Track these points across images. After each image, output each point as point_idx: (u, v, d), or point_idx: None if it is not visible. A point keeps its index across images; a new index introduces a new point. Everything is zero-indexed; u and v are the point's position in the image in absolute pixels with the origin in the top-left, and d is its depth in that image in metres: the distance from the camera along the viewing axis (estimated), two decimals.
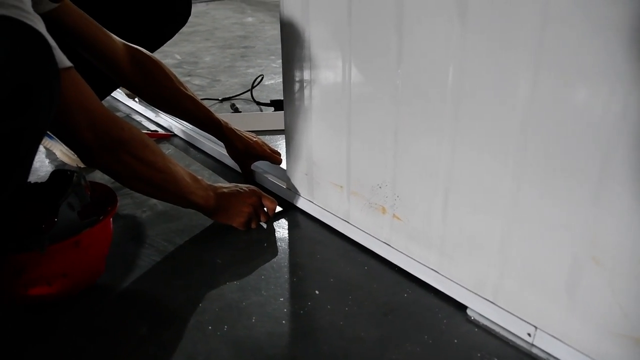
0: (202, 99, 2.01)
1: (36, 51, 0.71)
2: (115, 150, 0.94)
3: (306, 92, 1.16)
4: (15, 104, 0.68)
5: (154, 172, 1.01)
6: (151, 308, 0.98)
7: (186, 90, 1.37)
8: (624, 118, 0.68)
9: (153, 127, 1.77)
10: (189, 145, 1.65)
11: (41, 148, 1.56)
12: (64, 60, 0.81)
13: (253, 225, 1.20)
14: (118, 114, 1.89)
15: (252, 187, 1.23)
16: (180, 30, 3.20)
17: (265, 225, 1.23)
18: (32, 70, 0.70)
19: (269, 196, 1.23)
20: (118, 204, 1.02)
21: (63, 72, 0.77)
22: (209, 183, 1.14)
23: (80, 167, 1.48)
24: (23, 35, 0.70)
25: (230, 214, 1.17)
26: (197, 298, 1.00)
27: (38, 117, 0.72)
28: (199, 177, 1.12)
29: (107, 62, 1.24)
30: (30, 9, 0.74)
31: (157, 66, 1.31)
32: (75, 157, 1.48)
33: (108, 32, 1.24)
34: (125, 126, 0.97)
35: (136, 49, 1.28)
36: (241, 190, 1.19)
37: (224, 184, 1.20)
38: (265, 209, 1.23)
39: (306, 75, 1.15)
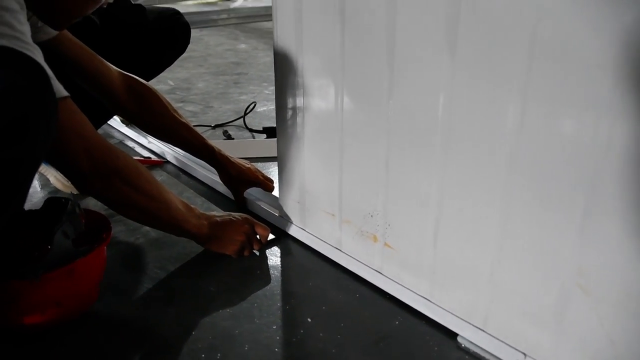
0: (195, 126, 2.02)
1: (35, 82, 0.72)
2: (109, 177, 0.95)
3: (299, 119, 1.18)
4: (13, 134, 0.69)
5: (147, 200, 1.02)
6: (144, 336, 0.98)
7: (180, 117, 1.39)
8: (609, 148, 0.70)
9: (145, 154, 1.79)
10: (182, 172, 1.66)
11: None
12: (60, 90, 0.83)
13: (246, 253, 1.21)
14: (111, 140, 1.91)
15: (244, 215, 1.24)
16: None
17: (258, 253, 1.24)
18: (30, 100, 0.71)
19: (262, 224, 1.25)
20: (112, 232, 1.03)
21: (60, 102, 0.79)
22: (201, 212, 1.16)
23: (74, 194, 1.48)
24: (22, 66, 0.72)
25: (224, 242, 1.18)
26: (191, 326, 1.01)
27: (35, 147, 0.74)
28: (192, 206, 1.14)
29: (102, 90, 1.26)
30: (30, 40, 0.76)
31: (152, 94, 1.33)
32: (69, 183, 1.49)
33: (104, 60, 1.26)
34: (120, 154, 0.99)
35: (132, 77, 1.30)
36: (234, 219, 1.20)
37: (217, 213, 1.21)
38: (258, 236, 1.24)
39: (299, 102, 1.17)
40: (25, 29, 0.76)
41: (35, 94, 0.72)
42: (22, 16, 0.76)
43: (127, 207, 1.02)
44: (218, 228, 1.17)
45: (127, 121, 1.71)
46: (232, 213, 1.23)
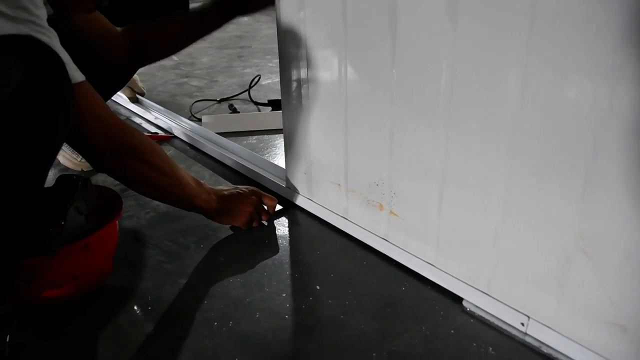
0: (200, 100, 2.04)
1: (52, 72, 0.73)
2: (125, 155, 0.97)
3: (303, 91, 1.19)
4: (33, 126, 0.71)
5: (161, 176, 1.04)
6: (158, 307, 1.01)
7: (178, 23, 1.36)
8: (609, 114, 0.71)
9: (153, 130, 1.80)
10: (189, 146, 1.68)
11: None
12: (76, 76, 0.84)
13: (255, 224, 1.24)
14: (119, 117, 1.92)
15: (251, 187, 1.26)
16: None
17: (266, 224, 1.26)
18: (49, 92, 0.73)
19: (269, 195, 1.27)
20: (123, 206, 1.05)
21: (76, 86, 0.80)
22: (210, 187, 1.18)
23: (84, 171, 1.51)
24: (39, 55, 0.73)
25: (233, 215, 1.21)
26: (202, 296, 1.04)
27: (54, 135, 0.76)
28: (202, 181, 1.16)
29: (105, 48, 1.27)
30: (45, 23, 0.76)
31: (147, 28, 1.33)
32: (79, 160, 1.51)
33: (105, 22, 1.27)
34: (135, 133, 1.01)
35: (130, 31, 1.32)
36: (241, 191, 1.23)
37: (224, 187, 1.23)
38: (265, 207, 1.26)
39: (303, 74, 1.17)
40: (42, 12, 0.77)
41: (52, 85, 0.73)
42: (39, 0, 0.76)
43: (142, 184, 1.04)
44: (226, 201, 1.19)
45: (139, 65, 1.66)
46: (239, 186, 1.25)
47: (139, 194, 1.08)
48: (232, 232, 1.22)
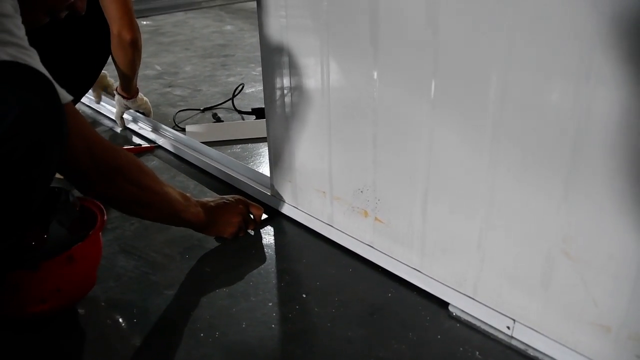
0: (184, 110, 2.04)
1: (48, 103, 0.73)
2: (113, 177, 0.96)
3: (287, 99, 1.19)
4: (31, 158, 0.72)
5: (150, 195, 1.03)
6: (144, 318, 1.00)
7: None
8: (589, 115, 0.72)
9: (137, 140, 1.79)
10: (173, 156, 1.67)
11: None
12: (65, 96, 0.82)
13: (241, 234, 1.23)
14: (101, 127, 1.91)
15: (237, 196, 1.26)
16: (160, 41, 3.21)
17: (252, 233, 1.26)
18: (46, 124, 0.73)
19: (255, 204, 1.27)
20: (106, 216, 1.04)
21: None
22: (197, 199, 1.16)
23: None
24: (33, 84, 0.72)
25: (220, 226, 1.19)
26: (189, 306, 1.03)
27: (50, 165, 0.76)
28: (188, 194, 1.15)
29: None
30: (27, 44, 0.76)
31: None
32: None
33: None
34: (121, 152, 1.00)
35: None
36: (227, 202, 1.22)
37: (210, 198, 1.22)
38: (252, 216, 1.25)
39: (286, 82, 1.18)
40: (22, 33, 0.76)
41: (49, 116, 0.73)
42: (18, 20, 0.76)
43: (131, 204, 1.03)
44: (214, 213, 1.18)
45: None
46: (225, 196, 1.25)
47: (128, 214, 1.07)
48: (217, 242, 1.22)
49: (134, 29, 1.57)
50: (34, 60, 0.75)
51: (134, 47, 1.59)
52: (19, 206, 0.74)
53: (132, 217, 1.20)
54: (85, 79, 1.59)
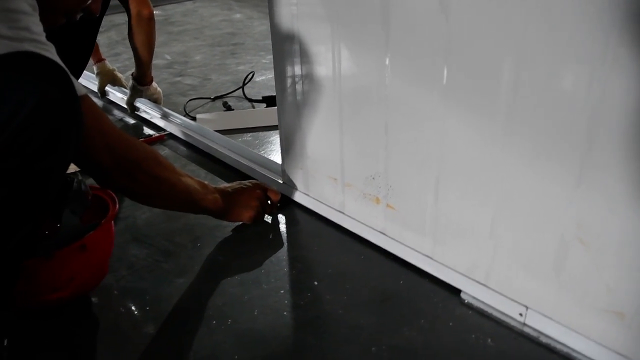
0: (194, 98, 2.04)
1: (64, 92, 0.74)
2: (132, 171, 0.97)
3: (298, 87, 1.19)
4: (48, 146, 0.72)
5: (168, 187, 1.04)
6: (156, 306, 1.01)
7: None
8: (603, 101, 0.71)
9: (147, 130, 1.80)
10: (184, 145, 1.67)
11: None
12: (80, 89, 0.83)
13: (261, 218, 1.24)
14: (111, 118, 1.91)
15: (254, 181, 1.27)
16: (169, 30, 3.21)
17: (270, 218, 1.26)
18: (62, 113, 0.74)
19: (273, 188, 1.27)
20: (118, 205, 1.05)
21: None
22: (214, 186, 1.17)
23: (78, 172, 1.50)
24: (50, 74, 0.73)
25: (239, 211, 1.20)
26: (200, 294, 1.03)
27: (67, 153, 0.77)
28: (205, 182, 1.15)
29: None
30: (44, 38, 0.77)
31: None
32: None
33: None
34: (139, 146, 1.01)
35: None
36: (244, 186, 1.22)
37: (228, 184, 1.23)
38: (269, 201, 1.26)
39: (297, 70, 1.17)
40: (40, 29, 0.77)
41: (66, 105, 0.74)
42: (36, 18, 0.77)
43: (149, 196, 1.04)
44: (232, 199, 1.18)
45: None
46: (243, 181, 1.25)
47: (148, 205, 1.08)
48: (227, 230, 1.22)
49: (150, 6, 1.72)
50: (51, 54, 0.76)
51: (152, 21, 1.73)
52: (35, 194, 0.75)
53: (152, 207, 1.21)
54: (76, 65, 1.60)
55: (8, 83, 0.70)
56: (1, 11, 0.71)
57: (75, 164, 0.96)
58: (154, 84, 1.89)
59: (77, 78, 1.67)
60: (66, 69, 0.77)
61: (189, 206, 1.11)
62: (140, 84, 1.84)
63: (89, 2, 0.93)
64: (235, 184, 1.23)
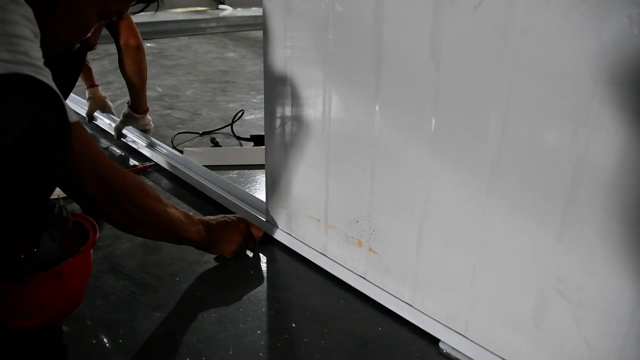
0: (182, 132, 2.04)
1: (55, 115, 0.75)
2: (117, 199, 0.97)
3: (287, 127, 1.20)
4: (36, 168, 0.73)
5: (153, 217, 1.04)
6: (129, 339, 0.98)
7: None
8: (586, 158, 0.72)
9: (133, 161, 1.79)
10: (168, 178, 1.66)
11: None
12: (72, 116, 0.84)
13: (241, 253, 1.24)
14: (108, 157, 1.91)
15: (238, 215, 1.27)
16: (163, 64, 3.24)
17: (251, 254, 1.25)
18: (52, 135, 0.74)
19: (256, 224, 1.27)
20: (98, 233, 1.03)
21: (71, 126, 0.80)
22: (198, 218, 1.17)
23: (60, 197, 1.48)
24: (42, 98, 0.74)
25: (222, 244, 1.20)
26: (176, 330, 1.01)
27: (54, 175, 0.77)
28: (190, 213, 1.15)
29: None
30: (42, 64, 0.77)
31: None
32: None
33: None
34: (127, 175, 1.01)
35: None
36: (229, 220, 1.23)
37: (212, 217, 1.23)
38: (251, 237, 1.26)
39: (287, 111, 1.18)
40: (39, 55, 0.78)
41: (56, 130, 0.75)
42: (37, 44, 0.78)
43: (134, 225, 1.04)
44: (215, 232, 1.19)
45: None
46: (227, 215, 1.25)
47: (130, 234, 1.08)
48: (208, 266, 1.21)
49: (138, 36, 1.73)
50: (47, 79, 0.77)
51: (140, 50, 1.74)
52: (17, 216, 0.75)
53: (135, 236, 1.21)
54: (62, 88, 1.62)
55: (1, 103, 0.70)
56: (4, 35, 0.72)
57: (62, 189, 0.95)
58: (148, 115, 1.89)
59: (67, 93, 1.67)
60: (60, 94, 0.77)
61: (172, 237, 1.11)
62: (136, 112, 1.85)
63: (89, 35, 0.95)
64: (220, 217, 1.23)
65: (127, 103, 1.86)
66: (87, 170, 0.91)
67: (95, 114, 2.03)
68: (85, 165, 0.91)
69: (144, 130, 1.89)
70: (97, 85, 2.02)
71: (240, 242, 1.22)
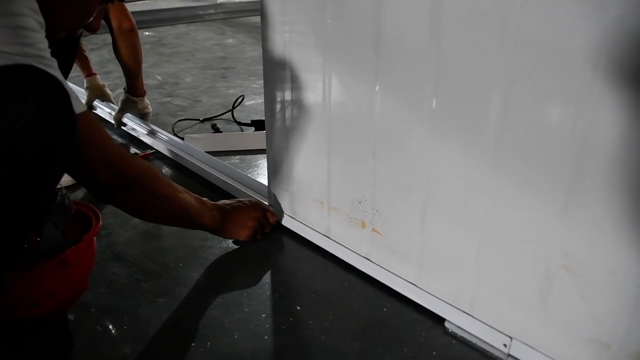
0: (183, 119, 2.04)
1: (60, 106, 0.75)
2: (129, 187, 0.98)
3: (287, 112, 1.19)
4: (43, 159, 0.73)
5: (165, 203, 1.05)
6: (134, 326, 0.98)
7: None
8: (589, 135, 0.72)
9: (133, 149, 1.78)
10: (169, 165, 1.66)
11: None
12: (80, 106, 0.84)
13: (258, 237, 1.24)
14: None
15: (254, 200, 1.27)
16: (161, 52, 3.22)
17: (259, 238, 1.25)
18: (58, 127, 0.75)
19: (272, 210, 1.28)
20: (101, 221, 1.03)
21: (79, 116, 0.81)
22: (213, 202, 1.17)
23: (62, 186, 1.48)
24: (49, 88, 0.75)
25: (236, 228, 1.20)
26: (180, 316, 1.01)
27: (60, 166, 0.78)
28: (203, 198, 1.16)
29: None
30: (49, 55, 0.78)
31: None
32: None
33: None
34: (137, 162, 1.02)
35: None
36: (243, 205, 1.23)
37: (227, 201, 1.23)
38: (266, 222, 1.26)
39: (287, 96, 1.17)
40: (45, 45, 0.78)
41: (62, 121, 0.75)
42: (43, 34, 0.78)
43: (146, 212, 1.05)
44: (229, 216, 1.19)
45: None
46: (242, 199, 1.26)
47: (144, 220, 1.10)
48: (211, 252, 1.21)
49: (130, 19, 1.72)
50: (54, 70, 0.77)
51: (134, 32, 1.73)
52: (23, 206, 0.76)
53: (147, 222, 1.23)
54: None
55: (9, 95, 0.71)
56: (11, 28, 0.73)
57: (73, 177, 0.96)
58: (146, 99, 1.88)
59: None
60: (67, 85, 0.78)
61: (185, 222, 1.12)
62: (134, 95, 1.84)
63: (91, 20, 0.94)
64: (234, 202, 1.23)
65: (124, 89, 1.84)
66: (97, 159, 0.92)
67: (95, 103, 2.02)
68: (95, 154, 0.91)
69: (143, 114, 1.88)
70: (95, 74, 2.00)
71: (255, 226, 1.22)
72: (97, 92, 2.00)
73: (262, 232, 1.25)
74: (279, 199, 1.30)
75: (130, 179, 0.98)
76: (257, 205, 1.25)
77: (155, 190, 1.03)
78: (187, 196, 1.11)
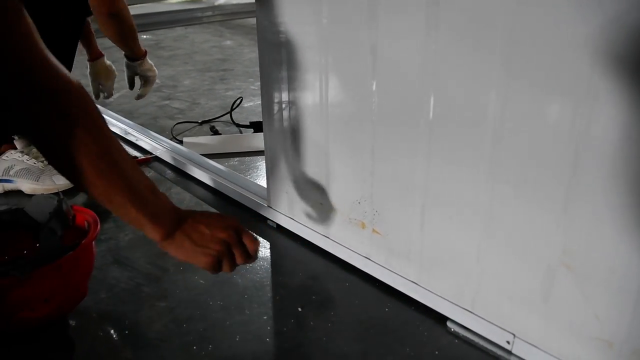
0: (182, 122, 2.03)
1: None
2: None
3: (285, 113, 1.18)
4: None
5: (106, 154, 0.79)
6: (135, 331, 0.98)
7: None
8: (588, 131, 0.71)
9: (134, 153, 1.78)
10: (170, 169, 1.65)
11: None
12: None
13: (225, 269, 0.85)
14: None
15: (233, 219, 0.88)
16: (160, 55, 3.21)
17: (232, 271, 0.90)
18: None
19: (251, 233, 0.88)
20: (99, 226, 1.02)
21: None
22: (176, 207, 0.86)
23: (60, 191, 1.48)
24: None
25: (191, 249, 0.83)
26: (181, 319, 1.01)
27: None
28: (164, 195, 0.87)
29: None
30: None
31: None
32: (43, 187, 1.47)
33: None
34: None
35: None
36: (215, 220, 0.86)
37: (198, 211, 0.89)
38: (240, 250, 0.86)
39: (285, 97, 1.17)
40: None
41: None
42: None
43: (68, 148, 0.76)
44: (187, 227, 0.84)
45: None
46: (214, 213, 0.93)
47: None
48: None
49: (109, 4, 1.59)
50: None
51: (113, 18, 1.61)
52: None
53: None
54: (65, 43, 1.57)
55: None
56: None
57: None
58: (149, 60, 1.82)
59: (67, 64, 1.60)
60: None
61: (122, 206, 0.81)
62: (133, 60, 1.78)
63: None
64: (205, 213, 0.90)
65: (124, 55, 1.78)
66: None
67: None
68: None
69: (147, 77, 1.83)
70: (101, 56, 1.89)
71: (220, 252, 0.84)
72: (103, 74, 1.90)
73: (233, 264, 0.86)
74: (277, 200, 1.29)
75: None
76: (232, 225, 0.86)
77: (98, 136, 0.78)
78: (143, 179, 0.83)
